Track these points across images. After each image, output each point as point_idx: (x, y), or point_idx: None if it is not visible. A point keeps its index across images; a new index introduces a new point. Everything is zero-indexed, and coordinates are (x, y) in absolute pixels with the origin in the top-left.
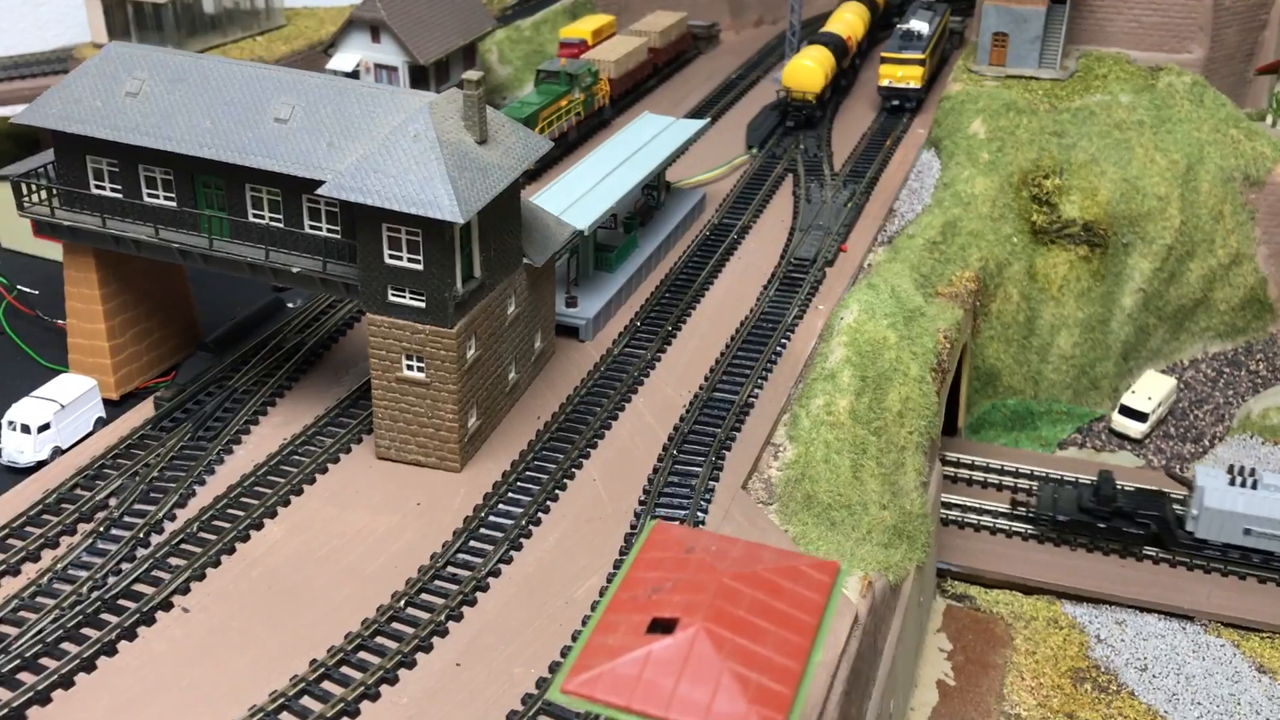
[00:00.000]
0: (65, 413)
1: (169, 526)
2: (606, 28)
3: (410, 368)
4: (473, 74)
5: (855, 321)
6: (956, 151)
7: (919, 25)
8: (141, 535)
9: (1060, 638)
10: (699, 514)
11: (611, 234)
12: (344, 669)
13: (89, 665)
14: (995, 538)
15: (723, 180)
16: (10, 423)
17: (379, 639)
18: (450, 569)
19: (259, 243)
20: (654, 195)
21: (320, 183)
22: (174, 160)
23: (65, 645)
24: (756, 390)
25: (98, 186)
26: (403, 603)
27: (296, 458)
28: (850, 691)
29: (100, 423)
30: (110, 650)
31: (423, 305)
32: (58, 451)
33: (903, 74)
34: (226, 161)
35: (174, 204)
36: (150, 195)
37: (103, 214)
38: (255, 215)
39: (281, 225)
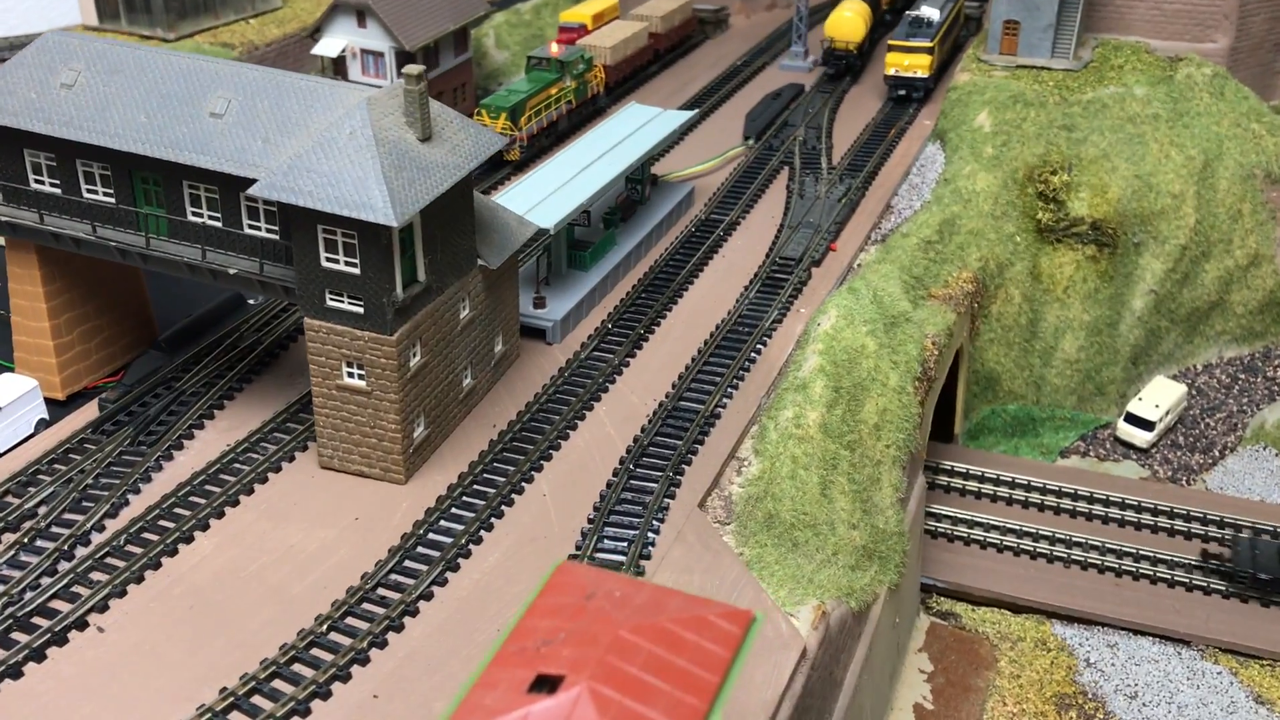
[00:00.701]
0: (3, 414)
1: (96, 538)
2: (609, 11)
3: (351, 375)
4: (413, 68)
5: (832, 328)
6: (960, 145)
7: (929, 11)
8: (66, 547)
9: (1047, 660)
10: (650, 534)
11: (590, 230)
12: (255, 698)
13: None
14: (985, 552)
15: (715, 173)
16: None
17: (296, 666)
18: (380, 590)
19: (197, 242)
20: (637, 189)
21: (254, 181)
22: (110, 155)
23: None
24: (725, 400)
25: (36, 181)
26: (325, 627)
27: (237, 466)
28: None
29: (42, 424)
30: (15, 673)
31: (361, 311)
32: None
33: (909, 62)
34: (160, 158)
35: (113, 201)
36: (89, 191)
37: (40, 210)
38: (194, 214)
39: (220, 225)
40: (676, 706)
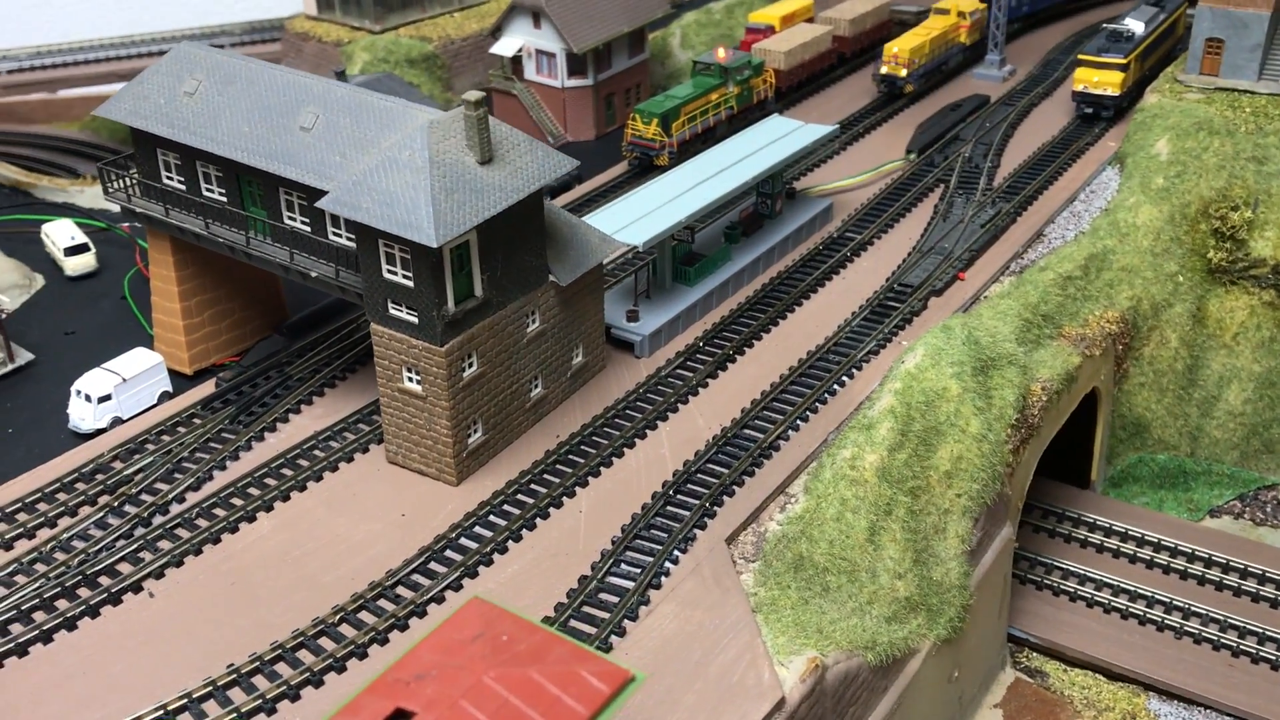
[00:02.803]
0: (127, 386)
1: (175, 508)
2: (801, 13)
3: (410, 380)
4: (473, 94)
5: (916, 367)
6: (1134, 173)
7: (1134, 24)
8: (146, 514)
9: None
10: (669, 563)
11: (708, 243)
12: (256, 678)
13: (46, 637)
14: (1090, 611)
15: (865, 189)
16: (77, 391)
17: (301, 652)
18: (400, 589)
19: (289, 245)
20: (766, 204)
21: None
22: (222, 160)
23: (37, 614)
24: (790, 433)
25: (166, 178)
26: (338, 618)
27: (316, 452)
28: None
29: (165, 396)
30: (71, 625)
31: (416, 321)
32: (117, 421)
33: (1099, 79)
34: (255, 166)
35: (225, 201)
36: (207, 190)
37: (165, 204)
38: (289, 218)
39: (309, 231)
40: None
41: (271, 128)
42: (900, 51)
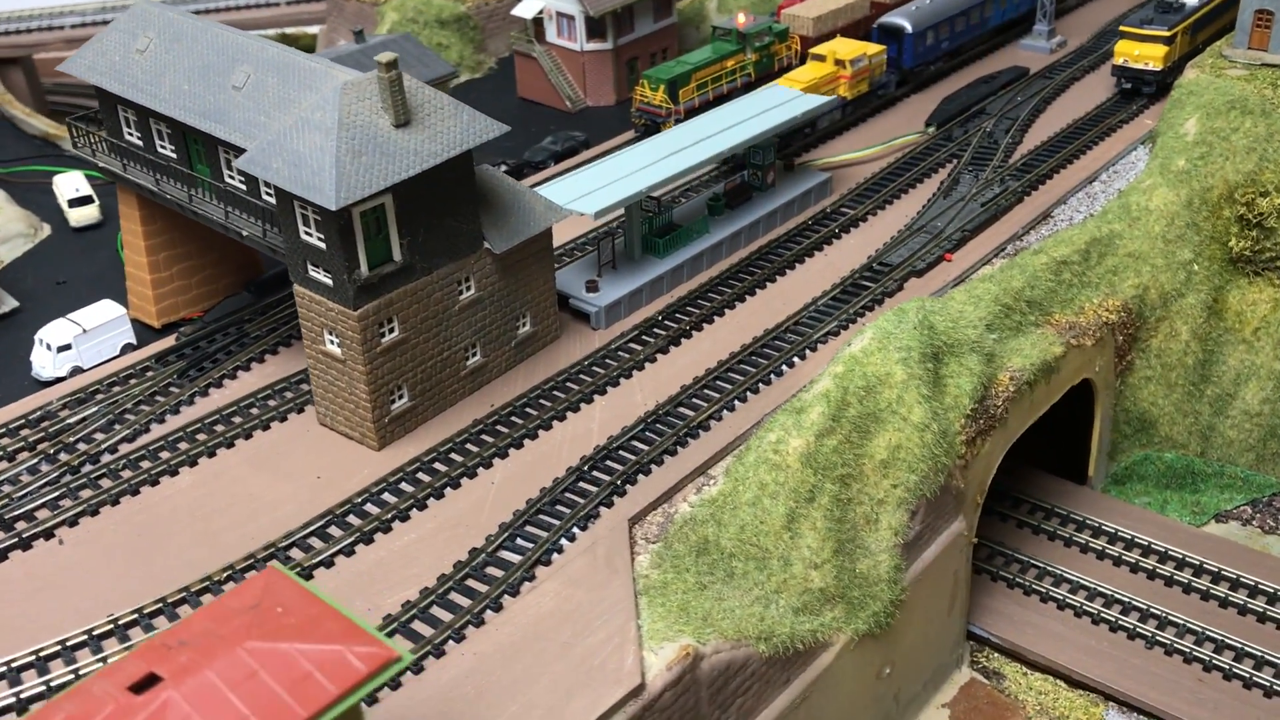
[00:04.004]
0: (87, 336)
1: (106, 459)
2: None
3: (331, 342)
4: (385, 56)
5: (861, 351)
6: (1159, 154)
7: None
8: (76, 463)
9: None
10: (565, 541)
11: (687, 214)
12: (133, 630)
13: None
14: (1060, 614)
15: (873, 163)
16: (39, 340)
17: (182, 608)
18: (293, 550)
19: (227, 204)
20: (757, 176)
21: None
22: (169, 117)
23: None
24: (725, 413)
25: (128, 134)
26: (225, 576)
27: (252, 410)
28: None
29: (128, 348)
30: None
31: (331, 284)
32: (77, 370)
33: (1140, 53)
34: (188, 124)
35: (175, 158)
36: (161, 147)
37: (124, 160)
38: (229, 177)
39: (244, 190)
40: None
41: (208, 86)
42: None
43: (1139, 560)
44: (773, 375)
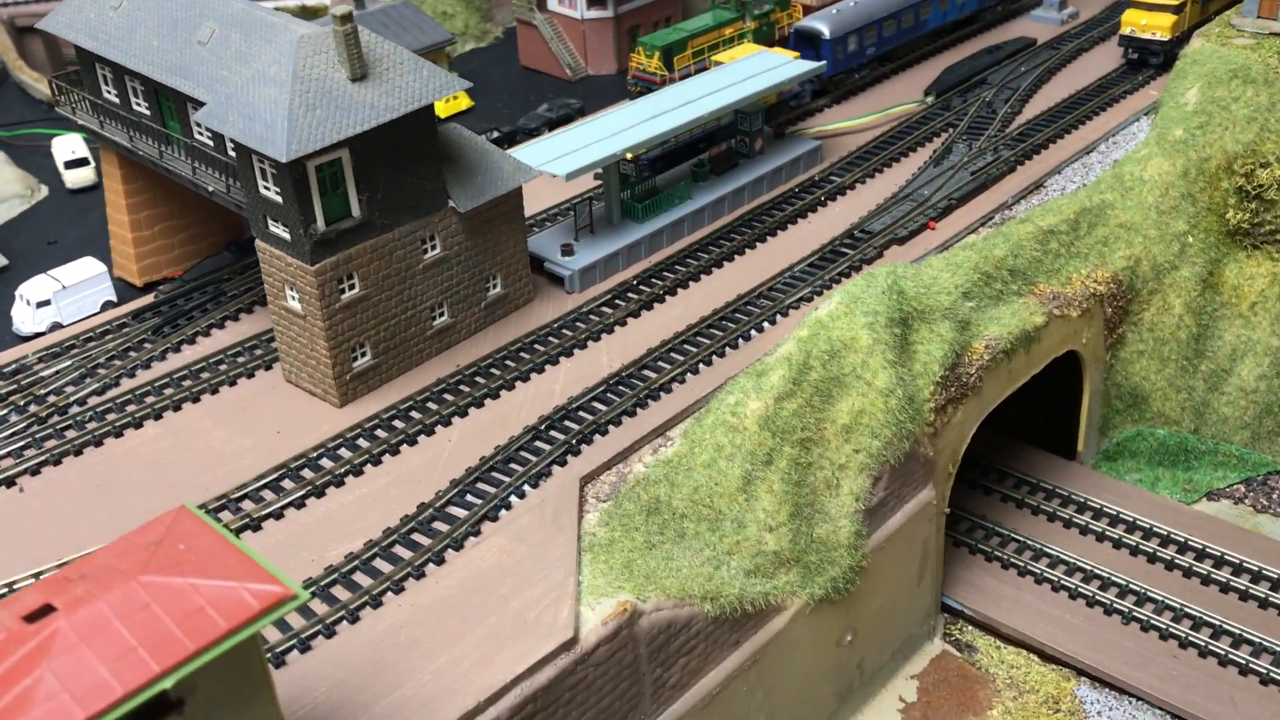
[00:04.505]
0: (66, 292)
1: (74, 410)
2: None
3: (291, 298)
4: (341, 8)
5: (827, 315)
6: (1159, 124)
7: None
8: (44, 414)
9: None
10: (514, 498)
11: (669, 180)
12: None
13: None
14: (1038, 588)
15: (868, 132)
16: (20, 295)
17: None
18: (245, 502)
19: (195, 160)
20: (744, 142)
21: None
22: (141, 74)
23: None
24: (689, 376)
25: (106, 92)
26: None
27: (221, 366)
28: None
29: (108, 305)
30: None
31: (289, 238)
32: (56, 325)
33: (1147, 22)
34: (155, 79)
35: (149, 115)
36: (136, 105)
37: (100, 118)
38: (198, 133)
39: (211, 146)
40: (130, 663)
41: (175, 42)
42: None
43: (1123, 536)
44: (740, 340)
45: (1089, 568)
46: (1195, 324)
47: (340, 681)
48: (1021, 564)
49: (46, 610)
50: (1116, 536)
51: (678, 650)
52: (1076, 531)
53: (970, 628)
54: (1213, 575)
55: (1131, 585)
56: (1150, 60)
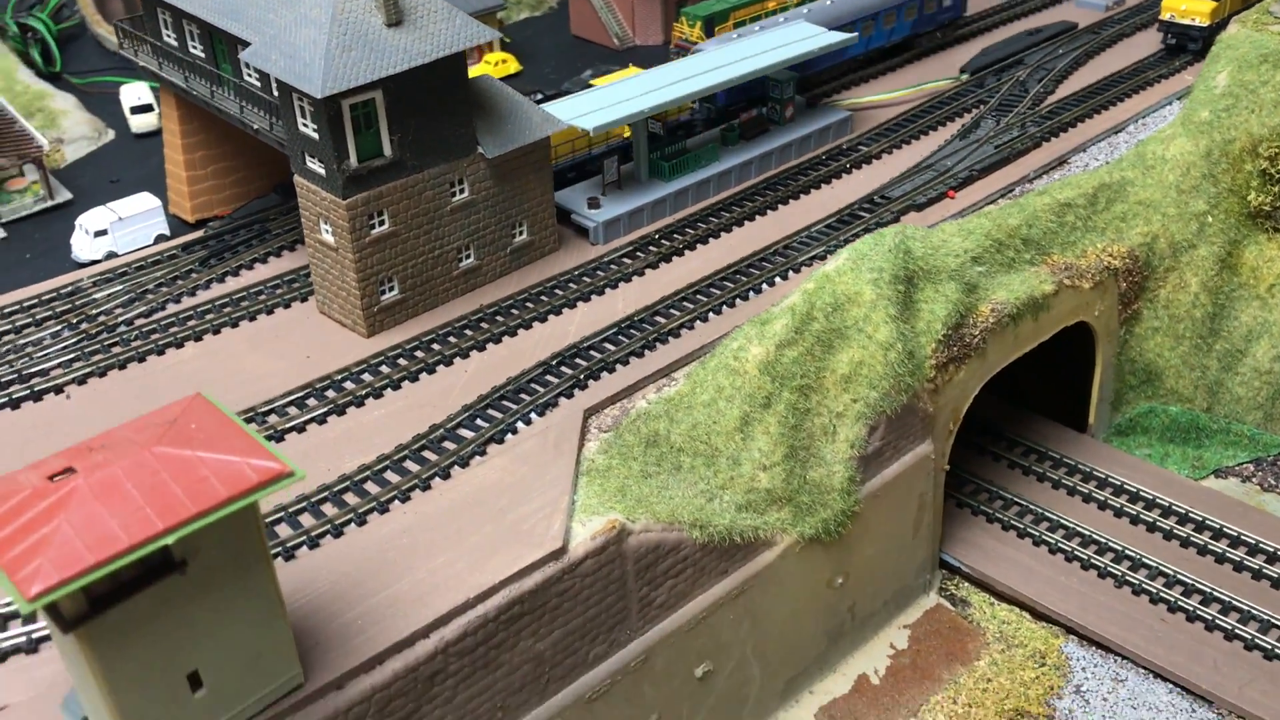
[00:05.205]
0: (122, 224)
1: (121, 329)
2: None
3: (325, 231)
4: None
5: (834, 270)
6: (1188, 106)
7: None
8: (94, 332)
9: (1032, 674)
10: (520, 424)
11: (699, 141)
12: None
13: None
14: (1036, 550)
15: (902, 105)
16: (79, 225)
17: None
18: (271, 416)
19: (244, 100)
20: (775, 109)
21: None
22: (197, 17)
23: None
24: (698, 323)
25: (165, 35)
26: None
27: (260, 296)
28: (516, 620)
29: (161, 238)
30: None
31: (324, 173)
32: (111, 254)
33: (1187, 7)
34: (205, 20)
35: (203, 57)
36: (192, 47)
37: (160, 60)
38: (246, 74)
39: (259, 87)
40: (137, 519)
41: None
42: None
43: (1124, 506)
44: (751, 293)
45: (1087, 533)
46: (1211, 303)
47: (343, 575)
48: (1021, 526)
49: (68, 471)
50: (1118, 506)
51: (665, 572)
52: (1079, 500)
53: (966, 584)
54: (1209, 546)
55: (1127, 551)
56: (1189, 46)
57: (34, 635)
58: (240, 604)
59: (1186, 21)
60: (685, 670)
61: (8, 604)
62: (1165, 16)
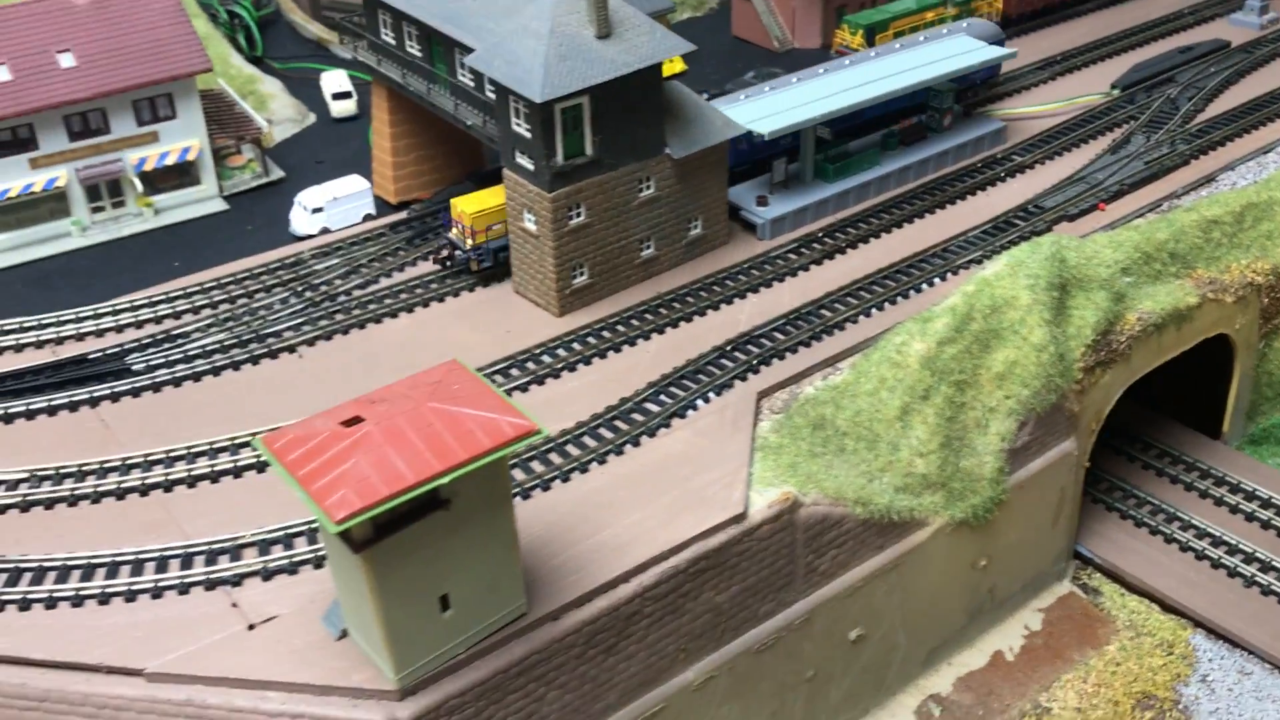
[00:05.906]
0: (336, 203)
1: (341, 299)
2: None
3: (529, 220)
4: None
5: (993, 275)
6: None
7: None
8: (318, 300)
9: (1160, 660)
10: (700, 402)
11: (861, 146)
12: None
13: (217, 371)
14: (1168, 547)
15: (1053, 118)
16: (298, 202)
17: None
18: None
19: (457, 97)
20: (935, 117)
21: None
22: (417, 20)
23: (215, 355)
24: (863, 316)
25: (384, 35)
26: None
27: (467, 276)
28: (701, 574)
29: (368, 217)
30: (237, 367)
31: (532, 169)
32: (325, 230)
33: None
34: (429, 24)
35: (420, 56)
36: (410, 47)
37: (378, 57)
38: (461, 75)
39: (472, 86)
40: (420, 461)
41: None
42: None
43: (1255, 510)
44: (911, 291)
45: (1217, 533)
46: None
47: (552, 523)
48: (1154, 524)
49: (357, 420)
50: (1249, 510)
51: (829, 542)
52: (1211, 502)
53: (1099, 575)
54: None
55: (1257, 553)
56: None
57: (295, 559)
58: (486, 540)
59: None
60: (840, 633)
61: (270, 530)
62: None
